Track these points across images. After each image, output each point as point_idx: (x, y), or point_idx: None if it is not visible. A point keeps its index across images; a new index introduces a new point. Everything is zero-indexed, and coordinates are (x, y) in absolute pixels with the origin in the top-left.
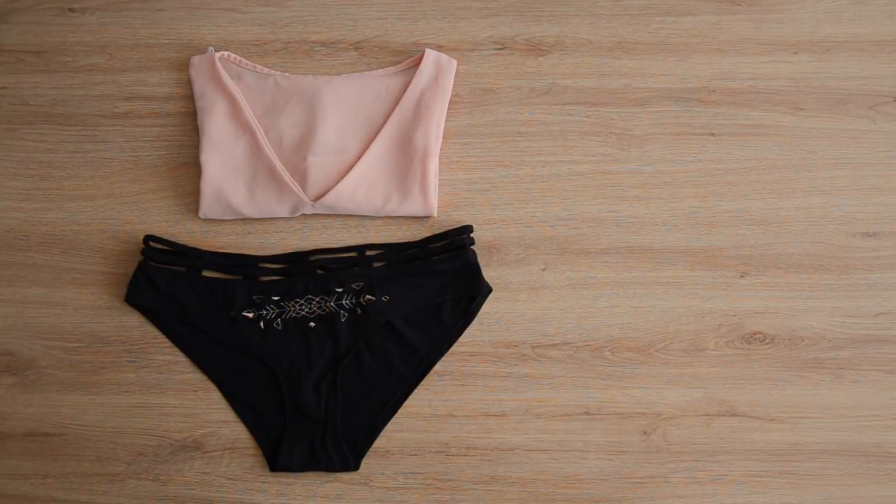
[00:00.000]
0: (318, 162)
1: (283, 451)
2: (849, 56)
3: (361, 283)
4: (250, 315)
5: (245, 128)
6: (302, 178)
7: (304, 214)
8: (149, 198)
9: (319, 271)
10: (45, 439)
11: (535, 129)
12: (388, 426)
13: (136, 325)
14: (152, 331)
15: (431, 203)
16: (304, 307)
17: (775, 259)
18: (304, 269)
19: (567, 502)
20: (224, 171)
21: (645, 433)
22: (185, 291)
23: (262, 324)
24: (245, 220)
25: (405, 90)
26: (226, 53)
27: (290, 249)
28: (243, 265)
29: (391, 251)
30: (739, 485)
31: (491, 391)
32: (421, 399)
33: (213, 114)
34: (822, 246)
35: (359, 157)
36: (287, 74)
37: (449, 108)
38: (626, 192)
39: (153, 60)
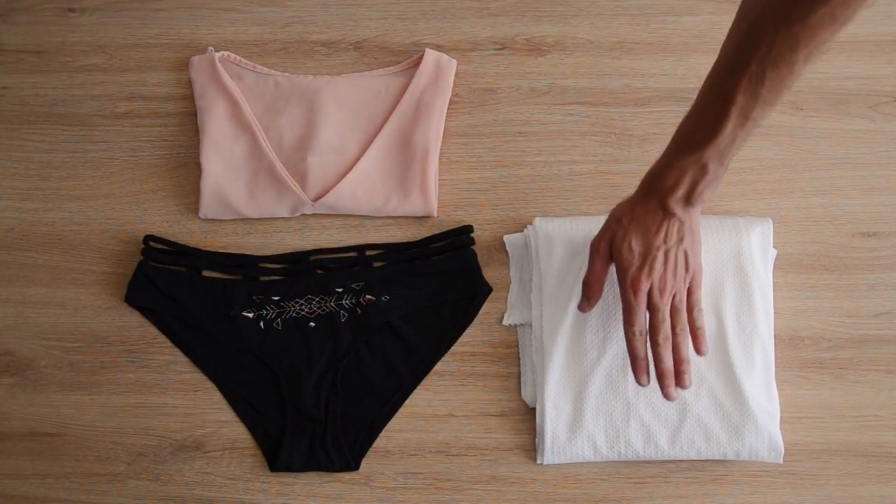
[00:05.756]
0: (318, 162)
1: (283, 451)
2: (849, 56)
3: (361, 283)
4: (250, 315)
5: (245, 128)
6: (302, 178)
7: (304, 214)
8: (149, 198)
9: (319, 271)
10: (45, 439)
11: (535, 128)
12: (388, 426)
13: (135, 325)
14: (152, 331)
15: (431, 203)
16: (304, 307)
17: (775, 259)
18: (304, 269)
19: (567, 502)
20: (224, 171)
21: None
22: (185, 291)
23: (261, 324)
24: (245, 220)
25: (405, 90)
26: (226, 53)
27: (290, 249)
28: (243, 265)
29: (391, 251)
30: (739, 485)
31: (491, 391)
32: (421, 399)
33: (213, 114)
34: (822, 246)
35: (359, 157)
36: (287, 74)
37: (449, 108)
38: (626, 191)
39: (153, 60)
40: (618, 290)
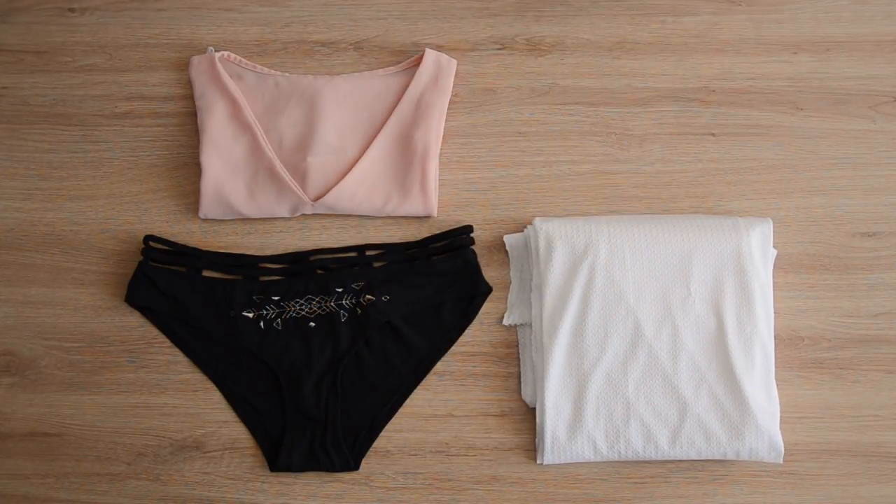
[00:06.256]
0: (318, 162)
1: (283, 451)
2: (848, 56)
3: (361, 283)
4: (250, 315)
5: (245, 128)
6: (302, 178)
7: (304, 214)
8: (149, 198)
9: (319, 271)
10: (45, 439)
11: (535, 129)
12: (388, 426)
13: (136, 325)
14: (152, 331)
15: (431, 203)
16: (304, 307)
17: (775, 259)
18: (304, 269)
19: (567, 502)
20: (224, 171)
21: None
22: (185, 291)
23: (262, 324)
24: (245, 220)
25: (405, 90)
26: (226, 53)
27: (290, 249)
28: (243, 265)
29: (391, 251)
30: (739, 485)
31: (491, 391)
32: (421, 399)
33: (213, 114)
34: (822, 246)
35: (359, 157)
36: (287, 74)
37: (449, 108)
38: (626, 192)
39: (153, 60)
40: (616, 291)
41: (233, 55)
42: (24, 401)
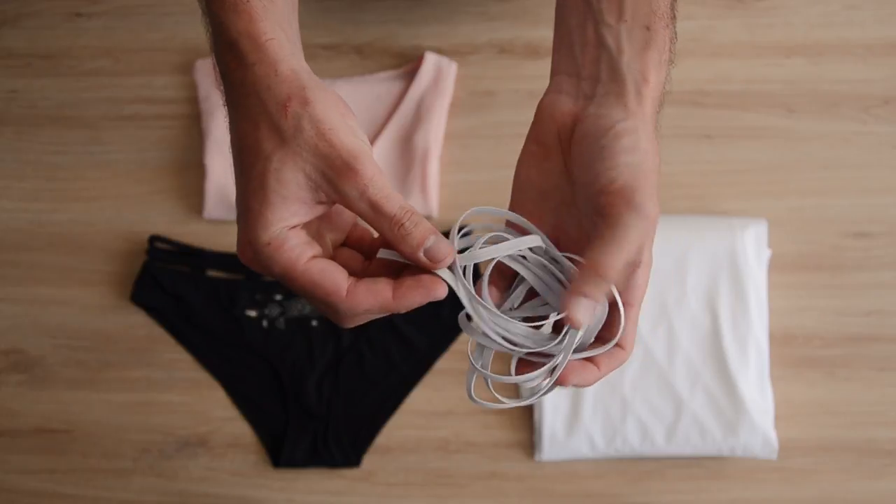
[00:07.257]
0: None
1: (285, 448)
2: (840, 59)
3: None
4: (253, 314)
5: None
6: None
7: None
8: (154, 199)
9: None
10: (53, 436)
11: None
12: (389, 423)
13: (141, 323)
14: (157, 329)
15: (432, 204)
16: (306, 306)
17: (769, 259)
18: None
19: (565, 497)
20: (228, 173)
21: None
22: (189, 291)
23: (264, 322)
24: None
25: (406, 93)
26: None
27: None
28: None
29: None
30: (734, 480)
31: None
32: (421, 396)
33: (216, 116)
34: (815, 246)
35: None
36: None
37: (449, 111)
38: None
39: (158, 64)
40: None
41: None
42: (31, 398)
